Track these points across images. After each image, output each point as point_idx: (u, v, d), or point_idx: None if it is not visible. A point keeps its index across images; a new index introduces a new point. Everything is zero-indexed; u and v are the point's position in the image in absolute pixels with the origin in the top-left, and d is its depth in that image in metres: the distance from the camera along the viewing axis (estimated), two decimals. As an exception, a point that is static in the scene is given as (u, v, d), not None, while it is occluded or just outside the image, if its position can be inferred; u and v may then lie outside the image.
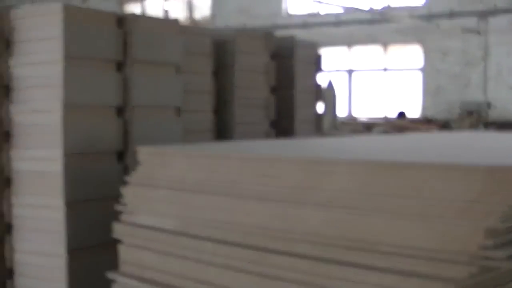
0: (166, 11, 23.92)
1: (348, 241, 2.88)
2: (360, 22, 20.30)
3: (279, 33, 7.40)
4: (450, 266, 2.57)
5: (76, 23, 4.47)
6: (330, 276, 2.89)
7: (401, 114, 19.10)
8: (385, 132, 15.46)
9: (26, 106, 4.60)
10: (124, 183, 4.05)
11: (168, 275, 3.62)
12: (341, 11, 20.31)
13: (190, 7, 23.29)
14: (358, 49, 21.54)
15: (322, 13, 21.94)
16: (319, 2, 19.25)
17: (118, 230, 3.92)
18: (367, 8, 19.17)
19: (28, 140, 4.59)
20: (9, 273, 4.68)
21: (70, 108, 4.41)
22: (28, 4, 19.52)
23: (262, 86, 6.30)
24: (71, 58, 4.42)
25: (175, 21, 5.30)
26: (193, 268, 3.49)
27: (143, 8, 24.83)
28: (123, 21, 4.82)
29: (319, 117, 7.34)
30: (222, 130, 5.90)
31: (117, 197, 4.07)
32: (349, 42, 21.30)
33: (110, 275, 3.88)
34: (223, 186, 3.47)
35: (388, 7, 20.40)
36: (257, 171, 3.36)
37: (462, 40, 19.27)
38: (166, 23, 5.31)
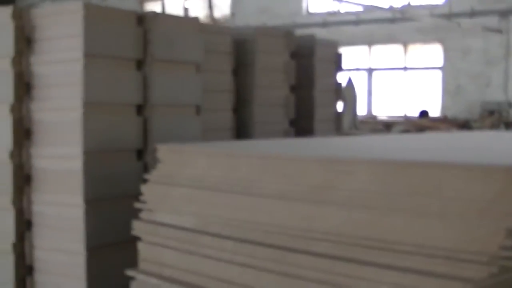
0: (186, 10, 23.95)
1: (367, 241, 2.88)
2: (380, 21, 20.24)
3: (299, 32, 7.37)
4: (469, 266, 2.56)
5: (97, 22, 4.49)
6: (349, 275, 2.88)
7: (424, 113, 19.01)
8: (405, 131, 15.40)
9: (46, 104, 4.62)
10: (144, 181, 4.06)
11: (188, 273, 3.62)
12: (361, 9, 20.26)
13: (210, 6, 23.30)
14: (378, 48, 21.48)
15: (342, 11, 21.89)
16: (339, 0, 19.21)
17: (138, 228, 3.93)
18: (387, 7, 19.11)
19: (48, 138, 4.60)
20: (29, 270, 4.70)
21: (90, 106, 4.42)
22: (49, 3, 19.58)
23: (282, 85, 6.29)
24: (91, 56, 4.43)
25: (195, 20, 5.30)
26: (213, 267, 3.49)
27: (163, 6, 24.88)
28: (143, 19, 4.83)
29: (338, 116, 7.33)
30: (241, 129, 5.90)
31: (136, 195, 4.08)
32: (369, 41, 21.24)
33: (130, 272, 3.89)
34: (243, 185, 3.47)
35: (409, 5, 20.33)
36: (277, 170, 3.36)
37: (483, 39, 19.17)
38: (186, 22, 5.31)
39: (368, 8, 19.17)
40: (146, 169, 4.65)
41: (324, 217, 3.06)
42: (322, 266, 2.99)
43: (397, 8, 19.78)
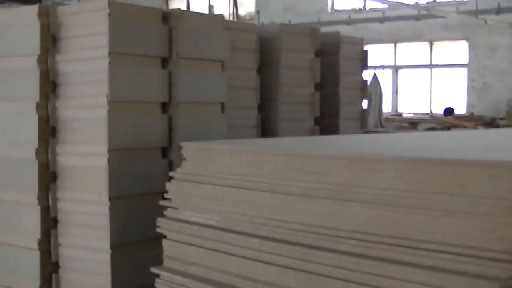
0: (211, 7, 23.96)
1: (393, 239, 2.86)
2: (406, 17, 20.14)
3: (324, 29, 7.35)
4: (495, 265, 2.54)
5: (122, 20, 4.49)
6: (375, 274, 2.87)
7: (449, 111, 18.90)
8: (431, 129, 15.33)
9: (72, 101, 4.63)
10: (169, 178, 4.06)
11: (213, 271, 3.62)
12: (386, 6, 20.17)
13: (235, 3, 23.29)
14: (403, 45, 21.38)
15: (367, 8, 21.82)
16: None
17: (163, 225, 3.94)
18: (412, 3, 19.01)
19: (74, 136, 4.62)
20: (55, 267, 4.72)
21: (116, 104, 4.43)
22: (75, 1, 19.67)
23: (307, 82, 6.28)
24: (116, 54, 4.44)
25: (221, 17, 5.30)
26: (237, 264, 3.49)
27: (188, 4, 24.90)
28: (168, 17, 4.83)
29: (364, 113, 7.30)
30: (266, 127, 5.89)
31: (161, 193, 4.09)
32: (395, 38, 21.15)
33: (154, 270, 3.89)
34: (268, 183, 3.46)
35: (434, 2, 20.22)
36: (302, 168, 3.35)
37: (509, 36, 19.01)
38: (212, 19, 5.31)
39: (394, 5, 19.06)
40: (171, 167, 4.65)
41: (349, 215, 3.05)
42: (347, 264, 2.98)
43: (423, 4, 19.66)
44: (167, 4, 25.23)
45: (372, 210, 2.97)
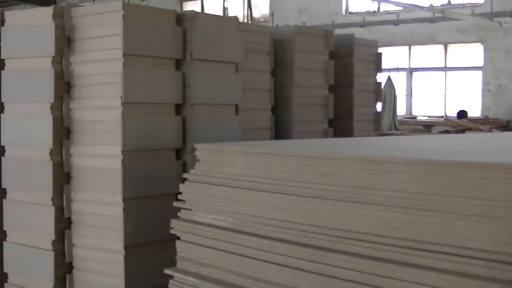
0: (225, 9, 23.99)
1: (406, 241, 2.86)
2: (420, 20, 20.07)
3: (338, 31, 7.34)
4: (509, 268, 2.53)
5: (136, 21, 4.51)
6: (387, 276, 2.87)
7: (462, 113, 18.83)
8: (445, 131, 15.29)
9: (86, 103, 4.65)
10: (183, 180, 4.07)
11: (226, 272, 3.63)
12: (400, 9, 20.12)
13: (249, 5, 23.32)
14: (418, 48, 21.32)
15: (381, 11, 21.78)
16: (379, 0, 19.10)
17: (176, 227, 3.94)
18: (427, 6, 18.95)
19: (88, 137, 4.64)
20: (69, 268, 4.74)
21: (130, 105, 4.45)
22: (89, 2, 19.71)
23: (321, 84, 6.27)
24: (131, 55, 4.46)
25: (235, 19, 5.30)
26: (250, 266, 3.49)
27: (202, 6, 24.94)
28: (182, 19, 4.84)
29: (378, 116, 7.29)
30: (280, 129, 5.88)
31: (175, 194, 4.10)
32: (409, 41, 21.10)
33: (168, 271, 3.90)
34: (281, 185, 3.46)
35: (449, 4, 20.16)
36: (315, 170, 3.34)
37: (525, 39, 18.94)
38: (226, 21, 5.31)
39: (408, 8, 19.03)
40: (184, 168, 4.66)
41: (362, 218, 3.04)
42: (359, 266, 2.97)
43: (437, 7, 19.61)
44: (181, 6, 25.26)
45: (384, 212, 2.96)
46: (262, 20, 23.60)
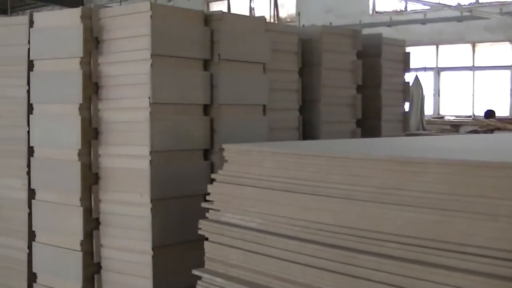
0: (251, 9, 23.99)
1: (434, 242, 2.84)
2: (448, 19, 19.95)
3: (365, 31, 7.31)
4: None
5: (164, 22, 4.51)
6: (414, 277, 2.85)
7: (489, 113, 18.67)
8: (473, 131, 15.18)
9: (114, 103, 4.66)
10: (211, 180, 4.07)
11: (254, 273, 3.62)
12: (428, 8, 20.00)
13: (276, 5, 23.29)
14: (445, 47, 21.19)
15: (408, 10, 21.67)
16: (406, -1, 19.02)
17: (204, 227, 3.94)
18: (454, 5, 18.83)
19: (116, 137, 4.65)
20: (97, 268, 4.75)
21: (158, 106, 4.45)
22: (117, 3, 19.78)
23: (349, 84, 6.24)
24: (158, 56, 4.46)
25: (262, 19, 5.29)
26: (278, 267, 3.48)
27: (228, 6, 24.96)
28: (210, 19, 4.84)
29: (406, 116, 7.24)
30: (308, 129, 5.87)
31: (203, 195, 4.10)
32: (437, 40, 20.97)
33: (196, 272, 3.90)
34: (309, 185, 3.45)
35: (477, 3, 20.01)
36: (343, 171, 3.33)
37: (554, 37, 18.77)
38: (253, 21, 5.30)
39: (436, 7, 18.92)
40: (212, 168, 4.66)
41: (390, 218, 3.03)
42: (387, 267, 2.96)
43: (465, 6, 19.48)
44: (207, 6, 25.30)
45: (413, 213, 2.95)
46: (288, 20, 23.57)
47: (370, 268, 3.03)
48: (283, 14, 24.18)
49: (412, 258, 2.90)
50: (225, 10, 23.10)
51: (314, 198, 3.39)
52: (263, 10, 23.37)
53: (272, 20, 21.65)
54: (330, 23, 18.21)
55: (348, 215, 3.21)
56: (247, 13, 22.89)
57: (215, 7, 25.25)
